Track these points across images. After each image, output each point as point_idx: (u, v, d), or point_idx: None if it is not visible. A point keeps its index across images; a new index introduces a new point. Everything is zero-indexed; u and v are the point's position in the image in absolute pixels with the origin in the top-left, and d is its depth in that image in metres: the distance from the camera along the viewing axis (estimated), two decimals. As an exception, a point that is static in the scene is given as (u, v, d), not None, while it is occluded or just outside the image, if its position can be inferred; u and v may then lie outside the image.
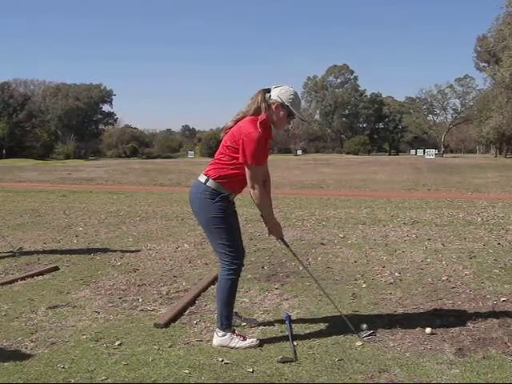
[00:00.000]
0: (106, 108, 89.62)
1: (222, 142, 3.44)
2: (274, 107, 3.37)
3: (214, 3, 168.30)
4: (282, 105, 3.37)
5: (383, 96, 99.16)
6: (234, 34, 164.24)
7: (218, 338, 3.39)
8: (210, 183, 3.38)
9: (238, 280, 3.47)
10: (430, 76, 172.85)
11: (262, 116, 3.35)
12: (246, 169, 3.30)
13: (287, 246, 3.65)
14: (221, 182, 3.36)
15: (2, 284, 4.87)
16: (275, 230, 3.48)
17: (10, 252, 6.19)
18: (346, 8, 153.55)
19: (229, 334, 3.38)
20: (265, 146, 3.35)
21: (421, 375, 2.93)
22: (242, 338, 3.37)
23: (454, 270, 5.39)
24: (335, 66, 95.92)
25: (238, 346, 3.34)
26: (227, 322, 3.42)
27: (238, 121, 3.41)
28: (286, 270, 5.48)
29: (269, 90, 3.44)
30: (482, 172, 26.41)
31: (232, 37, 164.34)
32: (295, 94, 3.42)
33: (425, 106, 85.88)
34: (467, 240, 7.09)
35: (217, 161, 3.43)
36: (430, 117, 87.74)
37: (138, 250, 6.52)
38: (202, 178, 3.43)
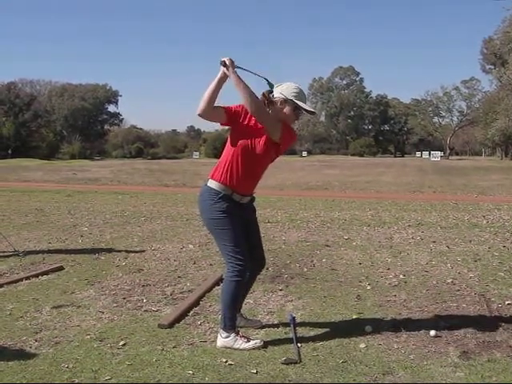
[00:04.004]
0: (111, 108, 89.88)
1: None
2: (278, 104, 3.37)
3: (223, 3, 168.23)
4: (285, 100, 3.36)
5: (389, 98, 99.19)
6: (237, 35, 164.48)
7: (222, 340, 3.39)
8: (210, 183, 3.40)
9: (244, 282, 3.46)
10: (435, 78, 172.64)
11: None
12: None
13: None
14: (219, 178, 3.36)
15: (7, 283, 4.88)
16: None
17: (15, 251, 6.20)
18: (351, 9, 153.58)
19: (232, 335, 3.37)
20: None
21: (425, 378, 2.92)
22: (245, 340, 3.36)
23: (459, 273, 5.37)
24: (341, 67, 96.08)
25: (241, 347, 3.33)
26: (231, 324, 3.42)
27: None
28: (291, 271, 5.47)
29: (271, 91, 3.45)
30: (487, 174, 26.35)
31: (234, 37, 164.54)
32: (299, 88, 3.40)
33: (430, 108, 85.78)
34: (472, 242, 7.07)
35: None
36: (435, 119, 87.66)
37: (143, 251, 6.52)
38: (206, 180, 3.46)
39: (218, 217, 3.35)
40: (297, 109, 3.39)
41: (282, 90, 3.38)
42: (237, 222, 3.40)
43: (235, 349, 3.33)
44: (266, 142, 3.33)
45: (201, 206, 3.46)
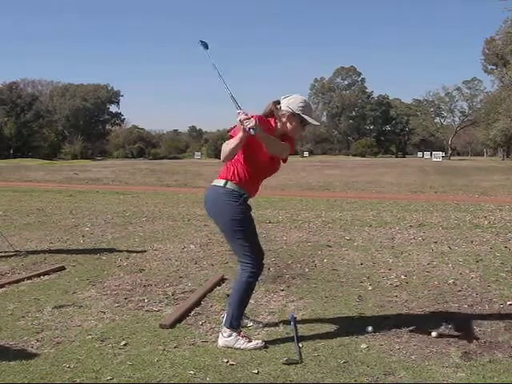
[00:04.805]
0: (113, 108, 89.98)
1: None
2: (286, 118, 3.41)
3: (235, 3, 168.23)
4: (293, 114, 3.39)
5: (390, 98, 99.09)
6: (237, 35, 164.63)
7: (224, 339, 3.39)
8: (230, 185, 3.38)
9: (255, 283, 3.48)
10: (437, 78, 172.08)
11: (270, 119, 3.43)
12: None
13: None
14: (237, 180, 3.37)
15: (9, 283, 4.88)
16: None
17: (16, 251, 6.21)
18: (353, 9, 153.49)
19: (234, 334, 3.37)
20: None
21: (426, 378, 2.92)
22: (247, 340, 3.37)
23: (461, 273, 5.36)
24: (342, 67, 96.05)
25: (243, 347, 3.33)
26: (237, 323, 3.42)
27: None
28: (292, 271, 5.47)
29: (279, 102, 3.47)
30: (489, 175, 26.33)
31: (234, 37, 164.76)
32: (305, 102, 3.44)
33: (432, 109, 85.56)
34: (474, 243, 7.07)
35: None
36: (437, 119, 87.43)
37: (144, 251, 6.53)
38: (220, 182, 3.42)
39: (241, 217, 3.36)
40: (303, 122, 3.45)
41: (289, 104, 3.41)
42: (253, 223, 3.46)
43: (236, 349, 3.33)
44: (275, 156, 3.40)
45: (220, 208, 3.40)
